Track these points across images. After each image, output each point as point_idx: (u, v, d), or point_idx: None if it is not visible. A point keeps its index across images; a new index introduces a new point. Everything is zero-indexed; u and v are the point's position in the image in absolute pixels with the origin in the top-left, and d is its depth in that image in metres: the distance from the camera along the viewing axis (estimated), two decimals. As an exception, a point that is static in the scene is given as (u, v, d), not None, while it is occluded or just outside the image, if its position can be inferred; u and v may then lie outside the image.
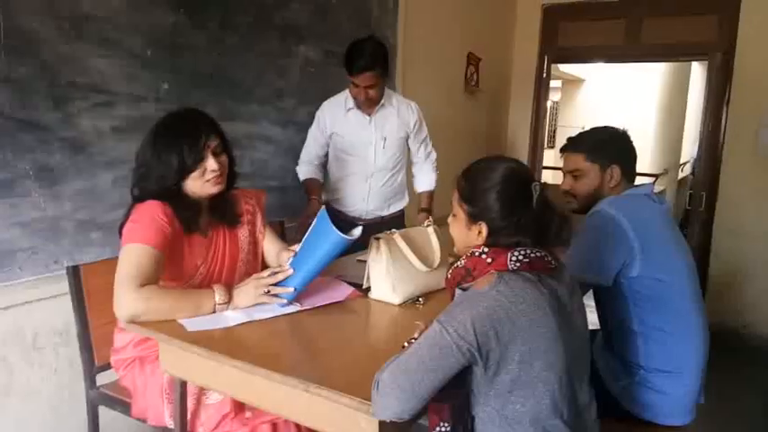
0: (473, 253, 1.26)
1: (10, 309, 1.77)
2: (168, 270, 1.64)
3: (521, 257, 1.21)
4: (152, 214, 1.57)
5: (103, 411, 1.85)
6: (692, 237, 4.29)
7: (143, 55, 2.03)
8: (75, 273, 1.78)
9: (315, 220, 1.65)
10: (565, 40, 4.71)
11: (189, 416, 1.59)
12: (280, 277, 1.61)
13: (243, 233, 1.83)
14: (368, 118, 2.59)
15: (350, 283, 1.83)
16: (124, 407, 1.76)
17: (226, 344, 1.42)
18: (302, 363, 1.32)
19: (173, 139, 1.60)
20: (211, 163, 1.63)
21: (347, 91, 2.56)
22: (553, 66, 4.88)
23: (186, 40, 2.18)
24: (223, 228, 1.78)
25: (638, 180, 1.90)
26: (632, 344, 1.71)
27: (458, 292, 1.28)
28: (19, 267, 1.76)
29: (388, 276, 1.70)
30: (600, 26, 4.57)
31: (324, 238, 1.60)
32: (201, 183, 1.64)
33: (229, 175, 1.75)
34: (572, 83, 10.87)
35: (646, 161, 7.64)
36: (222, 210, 1.76)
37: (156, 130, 1.63)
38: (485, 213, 1.25)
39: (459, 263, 1.29)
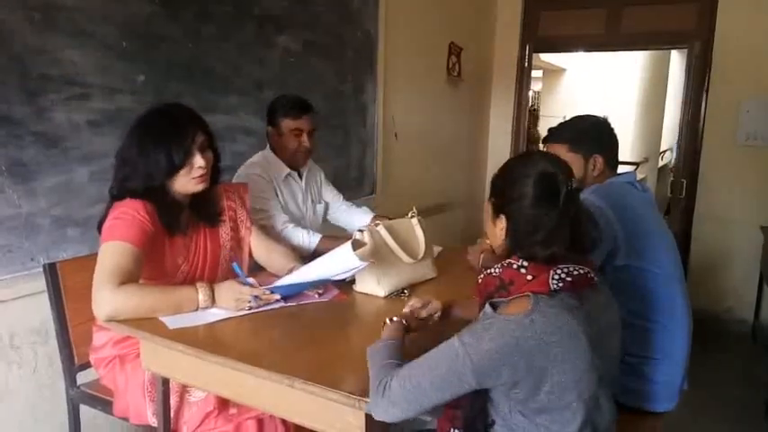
0: (510, 264, 1.17)
1: (-15, 309, 1.72)
2: (149, 268, 1.61)
3: (563, 276, 1.13)
4: (133, 213, 1.54)
5: (85, 410, 1.82)
6: (674, 223, 4.33)
7: (118, 46, 1.98)
8: (51, 270, 1.74)
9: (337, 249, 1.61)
10: (546, 30, 4.71)
11: (172, 414, 1.56)
12: (260, 302, 1.56)
13: (224, 230, 1.80)
14: (301, 182, 2.34)
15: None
16: (105, 406, 1.73)
17: (208, 340, 1.40)
18: (287, 358, 1.30)
19: (159, 137, 1.56)
20: (198, 160, 1.60)
21: (265, 157, 2.26)
22: (534, 55, 4.88)
23: (162, 30, 2.12)
24: (203, 226, 1.75)
25: (620, 168, 1.90)
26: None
27: (487, 308, 1.16)
28: (-6, 266, 1.72)
29: (373, 269, 1.69)
30: (581, 15, 4.57)
31: (340, 264, 1.59)
32: (187, 180, 1.61)
33: (214, 171, 1.72)
34: (553, 72, 10.89)
35: (626, 149, 7.69)
36: (203, 208, 1.73)
37: (141, 128, 1.59)
38: (506, 205, 1.20)
39: (493, 271, 1.20)
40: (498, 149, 5.07)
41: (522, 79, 4.70)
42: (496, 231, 1.23)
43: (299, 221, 2.27)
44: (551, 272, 1.13)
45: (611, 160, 1.82)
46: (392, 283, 1.71)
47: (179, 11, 2.18)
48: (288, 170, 2.26)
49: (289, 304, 1.62)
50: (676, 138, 4.71)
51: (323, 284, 1.70)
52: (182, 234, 1.68)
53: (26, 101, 1.74)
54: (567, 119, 1.94)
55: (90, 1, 1.88)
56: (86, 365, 1.80)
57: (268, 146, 2.28)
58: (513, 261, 1.18)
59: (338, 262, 1.57)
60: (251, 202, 2.01)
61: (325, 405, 1.16)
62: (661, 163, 8.70)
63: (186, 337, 1.38)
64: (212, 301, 1.54)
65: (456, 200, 4.61)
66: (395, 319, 1.34)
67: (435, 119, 4.16)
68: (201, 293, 1.53)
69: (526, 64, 4.57)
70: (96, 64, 1.92)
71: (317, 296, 1.68)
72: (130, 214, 1.54)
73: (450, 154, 4.49)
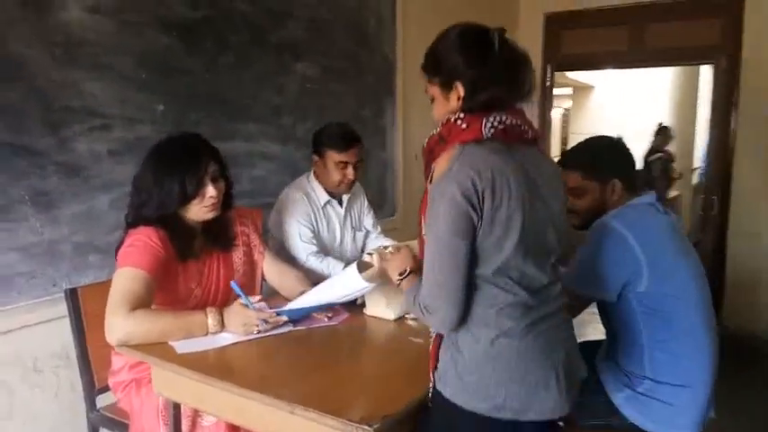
0: (449, 119, 1.23)
1: (10, 333, 1.78)
2: (163, 293, 1.65)
3: (496, 123, 1.19)
4: (146, 239, 1.58)
5: (106, 433, 1.86)
6: (707, 241, 4.22)
7: (137, 78, 2.05)
8: (72, 295, 1.79)
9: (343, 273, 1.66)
10: (568, 48, 4.68)
11: (184, 438, 1.58)
12: (267, 326, 1.58)
13: (237, 255, 1.84)
14: (341, 209, 2.35)
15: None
16: (123, 429, 1.76)
17: (216, 365, 1.41)
18: (291, 383, 1.30)
19: (174, 167, 1.61)
20: (210, 190, 1.64)
21: (308, 182, 2.29)
22: (561, 73, 4.84)
23: (180, 61, 2.19)
24: (217, 251, 1.78)
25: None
26: (639, 357, 1.67)
27: (429, 187, 1.23)
28: (17, 292, 1.78)
29: (382, 292, 1.69)
30: (603, 33, 4.53)
31: (347, 287, 1.62)
32: (198, 208, 1.65)
33: (227, 197, 1.75)
34: (582, 90, 10.82)
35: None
36: (216, 234, 1.77)
37: (156, 157, 1.64)
38: (453, 73, 1.23)
39: (433, 131, 1.26)
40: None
41: (545, 99, 4.68)
42: (452, 104, 1.25)
43: (330, 250, 2.28)
44: (484, 119, 1.19)
45: (630, 182, 1.78)
46: (402, 306, 1.71)
47: (196, 42, 2.25)
48: (327, 197, 2.28)
49: (298, 328, 1.63)
50: (704, 154, 4.60)
51: (331, 308, 1.71)
52: (195, 259, 1.72)
53: (49, 132, 1.82)
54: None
55: (109, 35, 1.96)
56: (106, 389, 1.84)
57: (312, 172, 2.30)
58: (450, 116, 1.23)
59: (345, 284, 1.59)
60: (282, 222, 2.04)
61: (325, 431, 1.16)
62: (695, 180, 8.51)
63: (194, 362, 1.40)
64: (222, 326, 1.56)
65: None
66: (407, 270, 1.39)
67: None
68: (211, 318, 1.55)
69: (548, 83, 4.55)
70: (116, 95, 1.99)
71: (326, 320, 1.69)
72: (143, 241, 1.58)
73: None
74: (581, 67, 5.07)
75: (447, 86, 1.25)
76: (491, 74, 1.22)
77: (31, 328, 1.83)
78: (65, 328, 1.80)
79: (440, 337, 1.26)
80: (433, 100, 1.31)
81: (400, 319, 1.70)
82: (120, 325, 1.48)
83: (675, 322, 1.63)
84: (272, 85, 2.59)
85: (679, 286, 1.63)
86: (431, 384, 1.26)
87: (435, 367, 1.25)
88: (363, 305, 1.76)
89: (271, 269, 1.92)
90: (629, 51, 4.45)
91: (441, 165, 1.20)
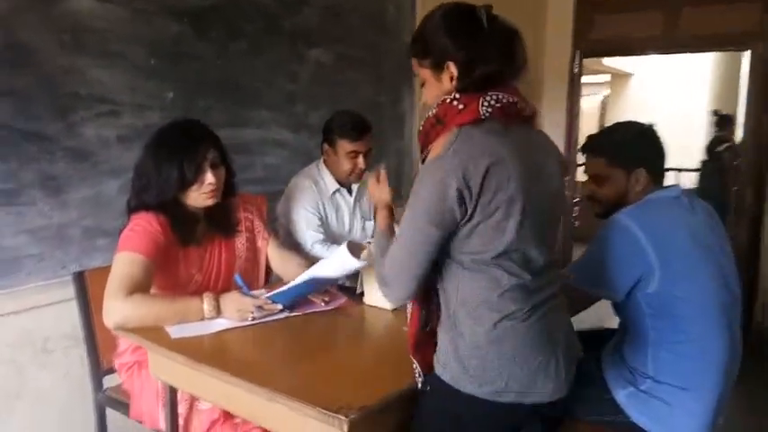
0: (444, 100, 1.21)
1: (20, 313, 1.84)
2: (163, 278, 1.67)
3: (493, 102, 1.17)
4: (145, 224, 1.60)
5: (111, 413, 1.89)
6: (741, 234, 4.06)
7: (146, 65, 2.07)
8: (80, 278, 1.83)
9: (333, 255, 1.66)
10: (599, 33, 4.53)
11: (182, 421, 1.60)
12: (263, 313, 1.58)
13: (240, 241, 1.84)
14: (350, 198, 2.35)
15: (345, 288, 1.81)
16: (127, 409, 1.79)
17: (206, 351, 1.42)
18: (277, 371, 1.31)
19: (172, 153, 1.62)
20: (209, 176, 1.64)
21: (318, 170, 2.28)
22: (598, 60, 4.70)
23: (191, 48, 2.21)
24: (219, 236, 1.79)
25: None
26: (643, 354, 1.61)
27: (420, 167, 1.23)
28: (27, 273, 1.82)
29: (380, 281, 1.67)
30: (636, 17, 4.37)
31: (337, 266, 1.62)
32: (197, 195, 1.66)
33: (228, 185, 1.76)
34: (620, 77, 10.53)
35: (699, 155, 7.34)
36: (218, 219, 1.78)
37: (157, 143, 1.66)
38: (444, 54, 1.21)
39: (429, 112, 1.23)
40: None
41: (573, 86, 4.55)
42: (445, 85, 1.22)
43: (339, 239, 2.26)
44: (481, 99, 1.17)
45: (657, 173, 1.69)
46: (400, 296, 1.69)
47: (207, 29, 2.26)
48: (337, 186, 2.26)
49: (294, 314, 1.63)
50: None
51: (324, 288, 1.70)
52: (196, 245, 1.73)
53: (57, 118, 1.85)
54: (607, 127, 1.82)
55: (119, 23, 1.98)
56: (113, 370, 1.87)
57: (322, 159, 2.29)
58: (446, 97, 1.20)
59: (335, 263, 1.59)
60: (290, 209, 2.06)
61: (305, 420, 1.15)
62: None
63: (186, 347, 1.41)
64: (218, 312, 1.57)
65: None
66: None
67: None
68: (207, 303, 1.56)
69: (576, 70, 4.42)
70: (125, 82, 2.02)
71: (323, 304, 1.69)
72: (143, 226, 1.60)
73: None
74: (612, 53, 4.92)
75: (438, 67, 1.23)
76: (482, 50, 1.20)
77: (40, 310, 1.88)
78: (74, 310, 1.84)
79: (418, 321, 1.26)
80: (423, 84, 1.29)
81: (398, 309, 1.68)
82: (116, 308, 1.50)
83: (684, 325, 1.56)
84: (285, 72, 2.58)
85: (692, 289, 1.55)
86: (416, 368, 1.26)
87: (415, 352, 1.25)
88: (363, 294, 1.75)
89: (274, 255, 1.92)
90: (664, 36, 4.29)
91: (436, 148, 1.17)
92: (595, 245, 1.63)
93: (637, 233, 1.54)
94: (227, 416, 1.58)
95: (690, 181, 6.39)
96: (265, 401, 1.20)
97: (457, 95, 1.19)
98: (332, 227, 2.28)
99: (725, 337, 1.59)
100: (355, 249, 1.60)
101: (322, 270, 1.61)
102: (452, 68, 1.21)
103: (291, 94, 2.62)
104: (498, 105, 1.18)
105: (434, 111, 1.22)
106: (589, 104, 11.68)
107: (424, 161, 1.24)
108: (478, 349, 1.18)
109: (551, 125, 4.88)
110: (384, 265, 1.25)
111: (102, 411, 1.89)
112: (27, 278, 1.83)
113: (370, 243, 1.71)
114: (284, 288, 1.59)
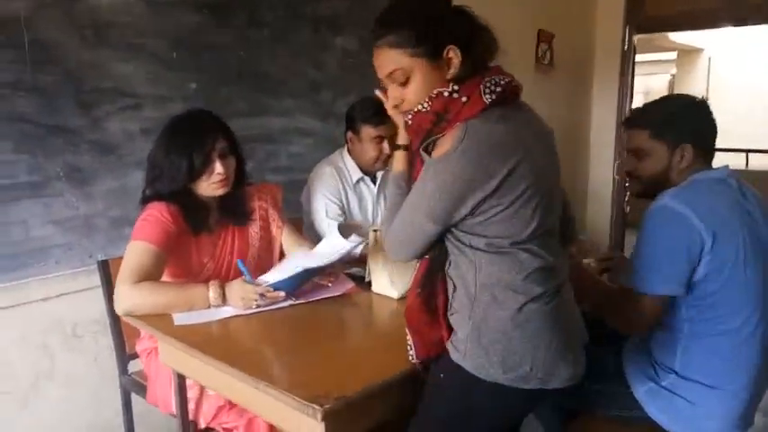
0: (440, 93, 1.14)
1: (49, 300, 1.93)
2: (175, 266, 1.70)
3: (493, 87, 1.13)
4: (157, 214, 1.64)
5: (137, 397, 1.97)
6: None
7: (168, 57, 2.11)
8: (104, 266, 1.90)
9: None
10: (654, 8, 4.30)
11: (193, 405, 1.64)
12: (267, 301, 1.58)
13: (254, 229, 1.85)
14: (374, 187, 2.30)
15: (354, 276, 1.80)
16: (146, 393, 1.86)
17: (205, 338, 1.43)
18: (271, 359, 1.32)
19: (182, 143, 1.65)
20: (218, 166, 1.66)
21: (341, 158, 2.26)
22: (663, 36, 4.45)
23: (212, 38, 2.23)
24: (232, 225, 1.81)
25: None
26: (671, 346, 1.51)
27: (424, 156, 1.19)
28: (55, 261, 1.91)
29: (385, 270, 1.65)
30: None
31: (333, 249, 1.62)
32: (207, 185, 1.68)
33: (239, 175, 1.78)
34: (688, 53, 9.96)
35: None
36: (232, 208, 1.79)
37: (168, 134, 1.69)
38: (445, 38, 1.15)
39: (422, 107, 1.16)
40: (602, 144, 4.71)
41: (627, 64, 4.33)
42: (442, 73, 1.17)
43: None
44: (481, 86, 1.13)
45: (705, 150, 1.56)
46: (406, 284, 1.65)
47: (229, 18, 2.28)
48: (360, 174, 2.25)
49: (299, 301, 1.63)
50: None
51: (324, 271, 1.70)
52: (209, 233, 1.75)
53: (81, 112, 1.92)
54: (654, 100, 1.68)
55: (139, 16, 2.03)
56: (137, 355, 1.95)
57: (345, 147, 2.28)
58: (441, 90, 1.14)
59: (328, 248, 1.59)
60: (311, 197, 2.09)
61: (287, 409, 1.15)
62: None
63: (190, 335, 1.42)
64: (223, 299, 1.59)
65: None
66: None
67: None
68: (212, 291, 1.58)
69: (626, 47, 4.20)
70: (147, 75, 2.07)
71: (329, 285, 1.69)
72: (155, 216, 1.64)
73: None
74: (668, 28, 4.65)
75: (436, 55, 1.15)
76: (471, 26, 1.17)
77: (69, 296, 1.97)
78: (102, 297, 1.92)
79: (418, 297, 1.24)
80: (406, 81, 1.18)
81: (404, 298, 1.65)
82: (126, 295, 1.55)
83: (721, 319, 1.45)
84: (309, 59, 2.58)
85: (737, 280, 1.43)
86: (410, 348, 1.24)
87: (413, 331, 1.24)
88: (371, 283, 1.73)
89: (289, 242, 1.92)
90: (725, 8, 4.02)
91: (444, 145, 1.13)
92: (643, 241, 1.48)
93: (685, 213, 1.42)
94: (233, 402, 1.60)
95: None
96: (253, 390, 1.21)
97: (455, 87, 1.14)
98: (355, 217, 2.26)
99: (762, 336, 1.48)
100: (347, 230, 1.58)
101: (316, 258, 1.60)
102: (454, 54, 1.15)
103: (316, 82, 2.61)
104: (499, 89, 1.13)
105: (428, 105, 1.16)
106: (659, 83, 11.14)
107: (415, 152, 1.23)
108: (504, 334, 1.15)
109: (604, 107, 4.68)
110: (388, 232, 1.26)
111: (128, 395, 1.97)
112: (56, 266, 1.91)
113: (376, 231, 1.69)
114: (284, 277, 1.59)
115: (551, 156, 1.24)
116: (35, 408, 1.94)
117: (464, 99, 1.12)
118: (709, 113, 1.58)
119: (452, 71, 1.16)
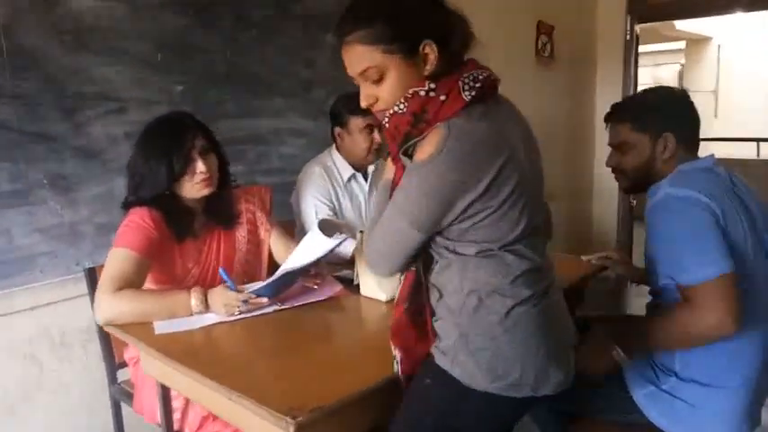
0: (416, 93, 1.08)
1: (36, 309, 1.90)
2: (159, 273, 1.67)
3: (471, 83, 1.08)
4: (138, 220, 1.60)
5: (130, 407, 1.94)
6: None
7: (152, 60, 2.08)
8: (91, 274, 1.86)
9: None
10: (656, -4, 4.21)
11: (179, 415, 1.60)
12: (249, 307, 1.55)
13: (241, 233, 1.82)
14: (365, 184, 2.24)
15: (342, 279, 1.76)
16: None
17: (184, 347, 1.39)
18: (248, 368, 1.27)
19: (160, 146, 1.62)
20: (199, 165, 1.63)
21: (330, 157, 2.22)
22: (671, 24, 4.37)
23: (198, 40, 2.19)
24: (218, 229, 1.77)
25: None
26: None
27: (405, 160, 1.13)
28: (40, 270, 1.88)
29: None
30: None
31: (315, 248, 1.58)
32: (191, 185, 1.64)
33: (223, 175, 1.74)
34: (696, 42, 9.81)
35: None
36: (217, 210, 1.76)
37: (144, 138, 1.66)
38: (421, 32, 1.08)
39: (398, 108, 1.10)
40: (607, 137, 4.61)
41: (629, 55, 4.24)
42: (419, 69, 1.10)
43: (356, 229, 2.20)
44: (460, 82, 1.07)
45: (687, 140, 1.53)
46: (394, 287, 1.60)
47: (215, 19, 2.24)
48: (351, 172, 2.20)
49: (284, 306, 1.59)
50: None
51: (308, 273, 1.66)
52: (194, 238, 1.72)
53: (64, 118, 1.89)
54: (635, 93, 1.68)
55: (122, 20, 1.99)
56: (126, 363, 1.91)
57: (333, 146, 2.24)
58: (417, 89, 1.09)
59: (309, 248, 1.55)
60: (300, 199, 2.04)
61: (259, 421, 1.11)
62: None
63: (169, 344, 1.39)
64: (206, 306, 1.55)
65: (555, 193, 4.29)
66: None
67: (524, 105, 3.89)
68: (194, 298, 1.54)
69: (628, 37, 4.12)
70: (132, 78, 2.03)
71: (315, 287, 1.65)
72: (136, 222, 1.60)
73: (546, 143, 4.18)
74: (672, 16, 4.54)
75: (413, 52, 1.09)
76: (446, 18, 1.11)
77: (56, 305, 1.94)
78: (89, 305, 1.89)
79: (403, 307, 1.21)
80: (380, 79, 1.11)
81: (393, 300, 1.60)
82: (106, 304, 1.51)
83: None
84: (299, 58, 2.53)
85: (744, 270, 1.36)
86: (396, 360, 1.19)
87: (395, 337, 1.20)
88: (360, 286, 1.68)
89: (277, 246, 1.88)
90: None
91: (425, 148, 1.07)
92: (666, 233, 1.40)
93: (693, 194, 1.37)
94: (218, 412, 1.56)
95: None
96: (225, 399, 1.16)
97: (432, 85, 1.08)
98: (347, 217, 2.21)
99: (765, 331, 1.42)
100: (329, 228, 1.54)
101: (298, 259, 1.56)
102: (430, 49, 1.08)
103: (308, 81, 2.57)
104: (478, 85, 1.08)
105: (404, 106, 1.10)
106: (667, 74, 10.99)
107: (394, 157, 1.18)
108: (492, 340, 1.11)
109: (608, 99, 4.59)
110: (368, 242, 1.21)
111: (118, 404, 1.94)
112: (42, 275, 1.88)
113: (362, 232, 1.64)
114: (265, 283, 1.55)
115: (534, 151, 1.20)
116: (23, 417, 1.91)
117: (442, 97, 1.07)
118: (690, 103, 1.57)
119: (429, 68, 1.10)
